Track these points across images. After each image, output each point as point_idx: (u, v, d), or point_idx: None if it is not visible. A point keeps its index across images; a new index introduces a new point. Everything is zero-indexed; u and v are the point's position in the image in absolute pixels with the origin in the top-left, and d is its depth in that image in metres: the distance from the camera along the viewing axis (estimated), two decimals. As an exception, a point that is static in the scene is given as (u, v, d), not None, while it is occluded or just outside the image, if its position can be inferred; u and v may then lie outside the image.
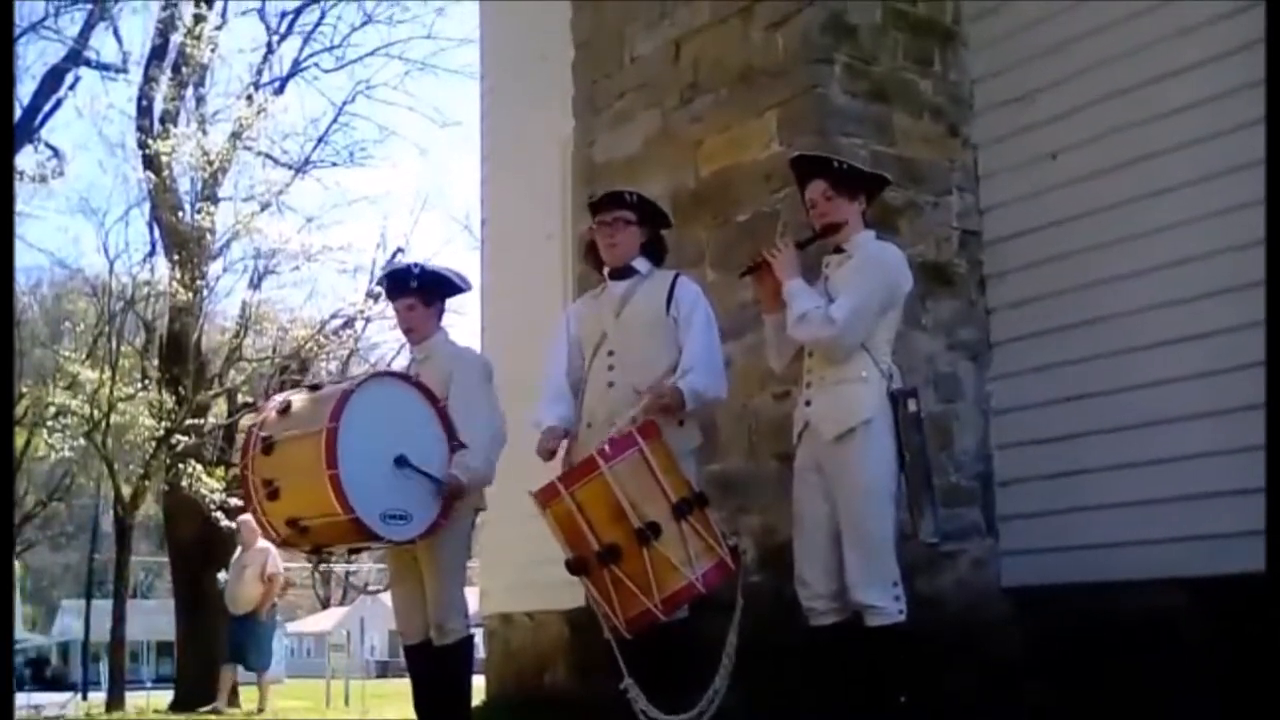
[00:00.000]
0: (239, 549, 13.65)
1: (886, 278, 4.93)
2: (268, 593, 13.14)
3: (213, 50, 21.49)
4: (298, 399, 5.65)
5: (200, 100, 22.65)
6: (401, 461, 5.39)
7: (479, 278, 9.90)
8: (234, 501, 17.57)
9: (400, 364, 8.36)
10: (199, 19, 20.58)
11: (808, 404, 4.96)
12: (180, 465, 19.16)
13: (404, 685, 6.77)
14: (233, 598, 13.41)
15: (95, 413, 20.13)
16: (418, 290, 5.93)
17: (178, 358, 20.65)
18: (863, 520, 4.74)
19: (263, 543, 13.43)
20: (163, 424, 19.69)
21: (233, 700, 14.92)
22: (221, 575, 13.88)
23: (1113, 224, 6.43)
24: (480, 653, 7.70)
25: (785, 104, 6.54)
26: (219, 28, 21.78)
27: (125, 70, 23.12)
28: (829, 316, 4.79)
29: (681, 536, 4.68)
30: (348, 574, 58.33)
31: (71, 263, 35.06)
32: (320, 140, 24.95)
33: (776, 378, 5.83)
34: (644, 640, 4.74)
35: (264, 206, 22.02)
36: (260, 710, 12.83)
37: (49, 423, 21.32)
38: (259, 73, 23.78)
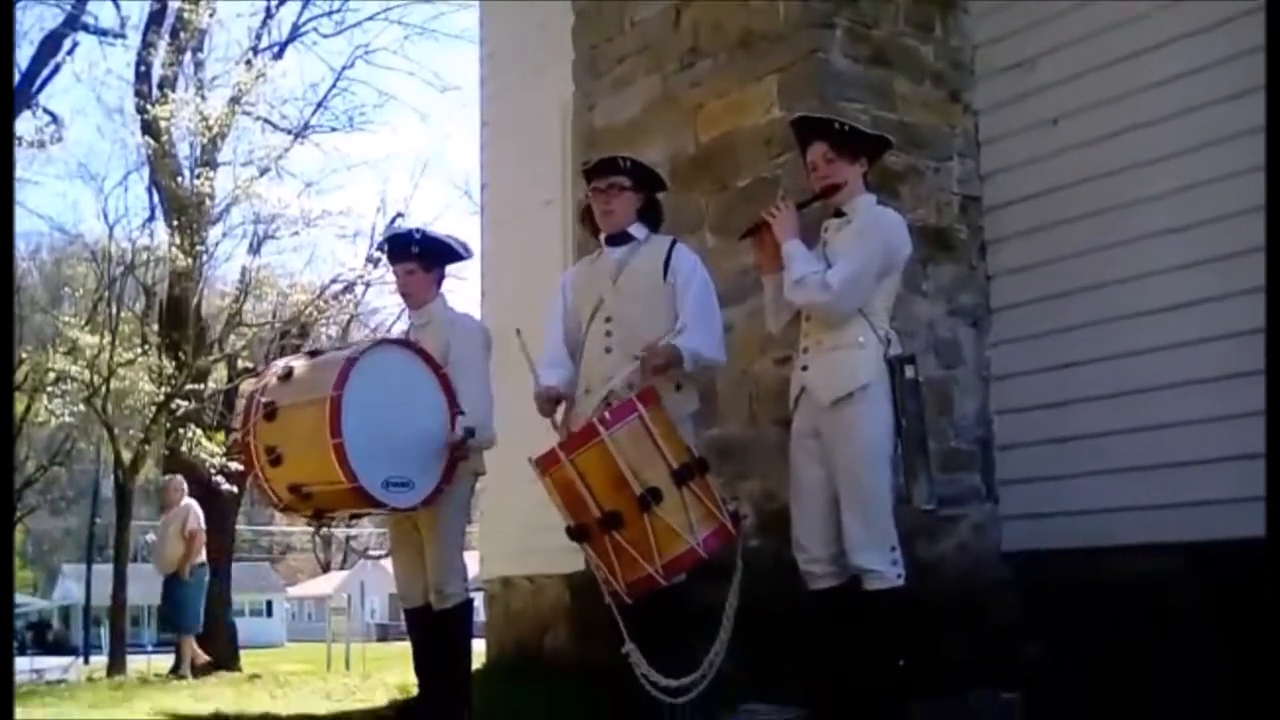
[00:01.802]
0: (164, 510, 13.58)
1: (886, 244, 4.92)
2: (188, 551, 12.96)
3: (211, 15, 21.47)
4: (299, 365, 5.66)
5: (199, 65, 22.67)
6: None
7: (479, 243, 9.87)
8: (234, 466, 17.63)
9: (400, 329, 8.35)
10: (197, -17, 20.53)
11: (805, 369, 4.97)
12: (180, 430, 19.21)
13: (404, 649, 6.80)
14: (159, 559, 13.31)
15: (95, 378, 20.16)
16: (418, 256, 5.93)
17: (177, 323, 20.69)
18: (860, 485, 4.75)
19: (186, 501, 13.30)
20: (163, 389, 19.73)
21: (232, 664, 14.91)
22: (150, 537, 13.83)
23: (1113, 190, 6.43)
24: (480, 616, 7.74)
25: (786, 69, 6.52)
26: (217, -8, 21.73)
27: (123, 35, 23.11)
28: (826, 281, 4.78)
29: (682, 502, 4.68)
30: (348, 538, 58.53)
31: (71, 228, 35.15)
32: (319, 105, 24.98)
33: (776, 343, 5.83)
34: (644, 605, 4.76)
35: (263, 171, 22.05)
36: (178, 672, 12.79)
37: (49, 388, 21.36)
38: (258, 37, 23.78)
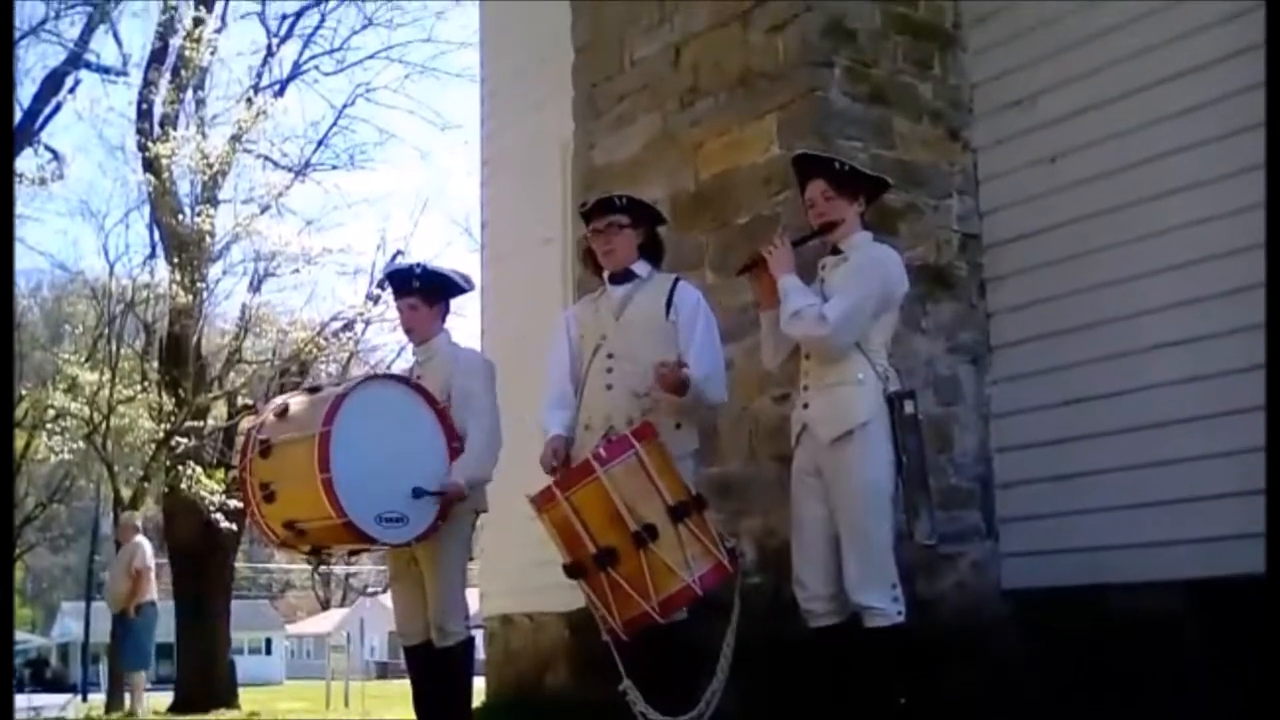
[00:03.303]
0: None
1: (883, 280, 4.95)
2: (134, 589, 12.87)
3: (212, 53, 21.50)
4: (296, 402, 5.65)
5: (200, 103, 22.66)
6: (419, 492, 5.39)
7: (479, 281, 9.90)
8: (233, 504, 17.59)
9: (400, 366, 8.35)
10: (198, 22, 20.57)
11: (805, 407, 4.98)
12: (180, 467, 19.17)
13: (404, 686, 6.79)
14: (109, 597, 13.23)
15: (95, 415, 20.16)
16: (420, 290, 5.92)
17: (177, 360, 20.66)
18: (861, 522, 4.75)
19: (137, 539, 13.23)
20: (162, 426, 19.70)
21: (231, 702, 14.80)
22: (105, 575, 13.82)
23: (1112, 228, 6.44)
24: (480, 654, 7.71)
25: (785, 107, 6.55)
26: (218, 31, 21.80)
27: (125, 73, 23.13)
28: (822, 315, 4.80)
29: (679, 539, 4.67)
30: (348, 575, 58.34)
31: (71, 265, 35.00)
32: (320, 143, 24.93)
33: (775, 380, 5.84)
34: (642, 642, 4.75)
35: (264, 209, 22.04)
36: (129, 713, 12.74)
37: (49, 425, 21.35)
38: (259, 75, 23.78)
